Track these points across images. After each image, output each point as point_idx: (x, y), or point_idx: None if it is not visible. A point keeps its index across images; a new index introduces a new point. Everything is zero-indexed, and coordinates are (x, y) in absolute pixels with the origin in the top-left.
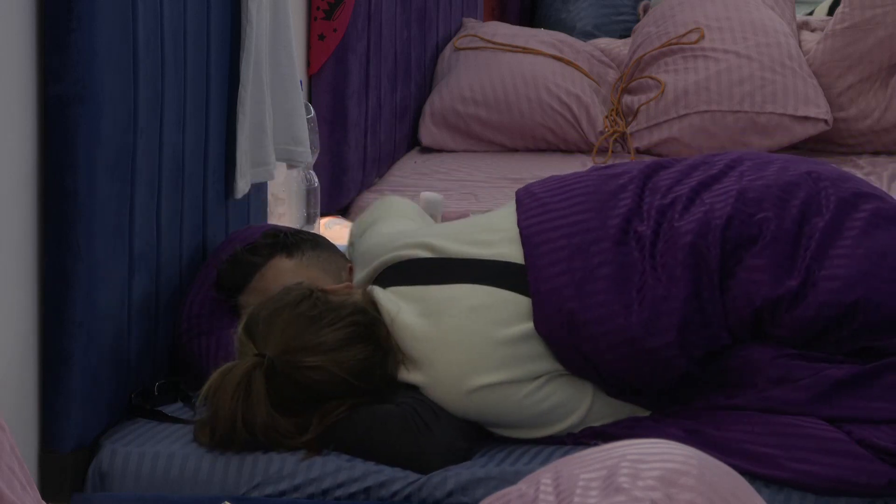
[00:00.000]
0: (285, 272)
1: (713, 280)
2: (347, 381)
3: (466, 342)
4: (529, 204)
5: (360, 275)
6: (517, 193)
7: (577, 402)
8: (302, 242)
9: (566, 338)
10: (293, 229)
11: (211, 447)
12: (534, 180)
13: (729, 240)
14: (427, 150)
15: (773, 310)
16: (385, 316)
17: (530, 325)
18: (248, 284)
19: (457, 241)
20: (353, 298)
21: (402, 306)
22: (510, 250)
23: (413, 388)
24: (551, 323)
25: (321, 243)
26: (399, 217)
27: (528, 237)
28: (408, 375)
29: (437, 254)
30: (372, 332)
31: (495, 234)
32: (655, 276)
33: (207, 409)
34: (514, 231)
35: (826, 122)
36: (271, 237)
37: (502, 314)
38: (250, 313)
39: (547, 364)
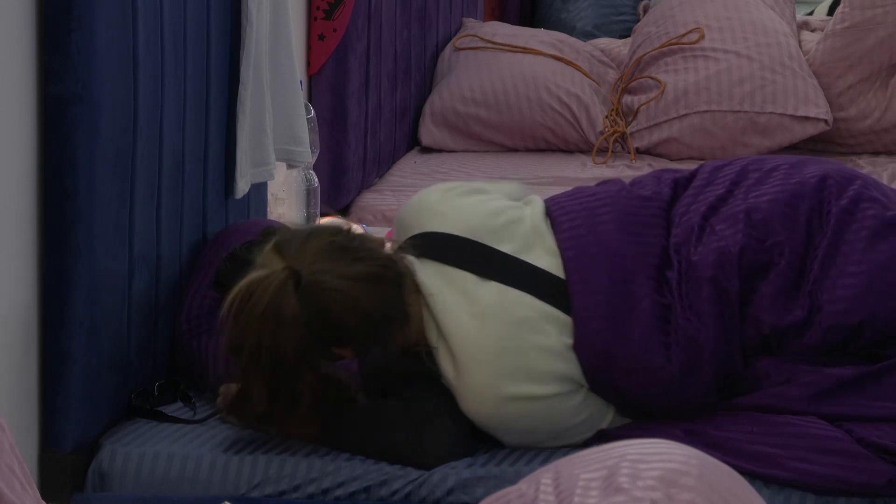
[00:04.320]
0: None
1: (734, 311)
2: (365, 317)
3: (512, 351)
4: (562, 219)
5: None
6: (548, 205)
7: (601, 417)
8: None
9: (602, 369)
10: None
11: (230, 410)
12: (534, 180)
13: (744, 268)
14: (427, 150)
15: (781, 338)
16: (423, 290)
17: (570, 342)
18: None
19: (483, 228)
20: (387, 252)
21: (442, 290)
22: (549, 263)
23: (419, 382)
24: (589, 352)
25: None
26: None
27: (568, 259)
28: (444, 368)
29: (470, 234)
30: (399, 286)
31: (526, 236)
32: (685, 315)
33: (230, 329)
34: (551, 240)
35: (826, 122)
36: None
37: (546, 328)
38: (281, 235)
39: (582, 380)
